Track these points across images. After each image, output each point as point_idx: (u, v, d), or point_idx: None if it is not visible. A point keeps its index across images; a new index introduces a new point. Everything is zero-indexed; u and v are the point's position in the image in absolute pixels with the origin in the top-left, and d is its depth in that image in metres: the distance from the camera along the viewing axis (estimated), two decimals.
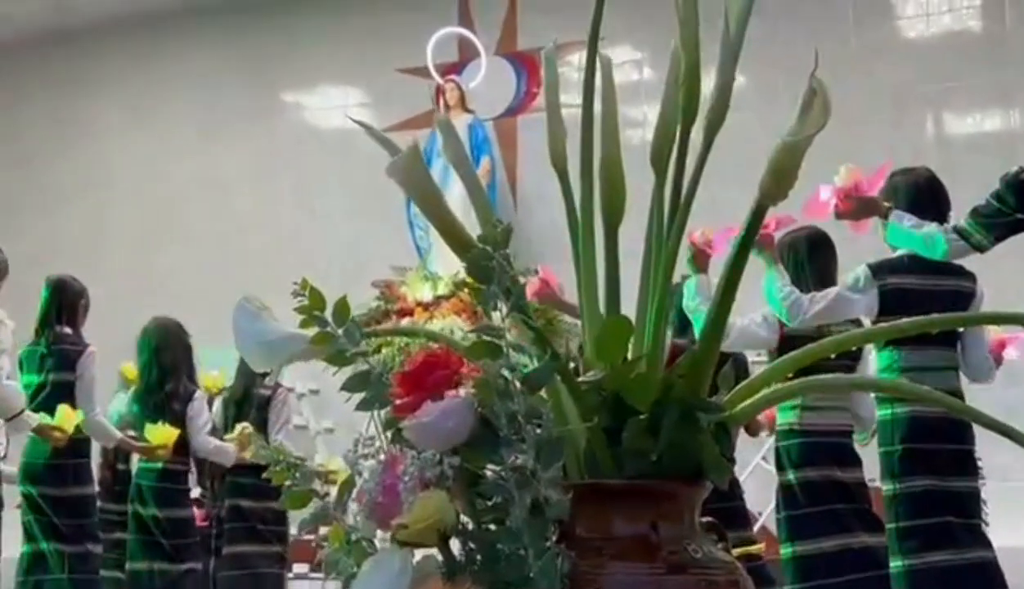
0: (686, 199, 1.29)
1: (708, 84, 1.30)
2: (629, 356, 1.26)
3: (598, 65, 1.42)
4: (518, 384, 1.17)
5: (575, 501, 1.15)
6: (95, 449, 5.57)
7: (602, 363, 1.24)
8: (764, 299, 3.82)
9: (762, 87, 7.74)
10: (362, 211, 9.37)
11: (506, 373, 1.17)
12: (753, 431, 4.64)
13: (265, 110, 9.97)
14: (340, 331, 1.28)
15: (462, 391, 1.21)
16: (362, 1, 9.65)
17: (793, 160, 1.07)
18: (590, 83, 1.34)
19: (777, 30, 7.88)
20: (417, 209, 8.52)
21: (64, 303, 5.29)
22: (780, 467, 4.04)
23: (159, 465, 5.49)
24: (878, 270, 3.72)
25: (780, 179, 1.09)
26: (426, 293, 8.11)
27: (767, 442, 5.89)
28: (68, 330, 5.29)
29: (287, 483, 1.23)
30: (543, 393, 1.23)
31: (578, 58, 8.74)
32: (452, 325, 7.72)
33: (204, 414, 5.63)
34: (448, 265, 8.09)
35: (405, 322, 7.96)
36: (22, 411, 4.90)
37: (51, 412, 5.05)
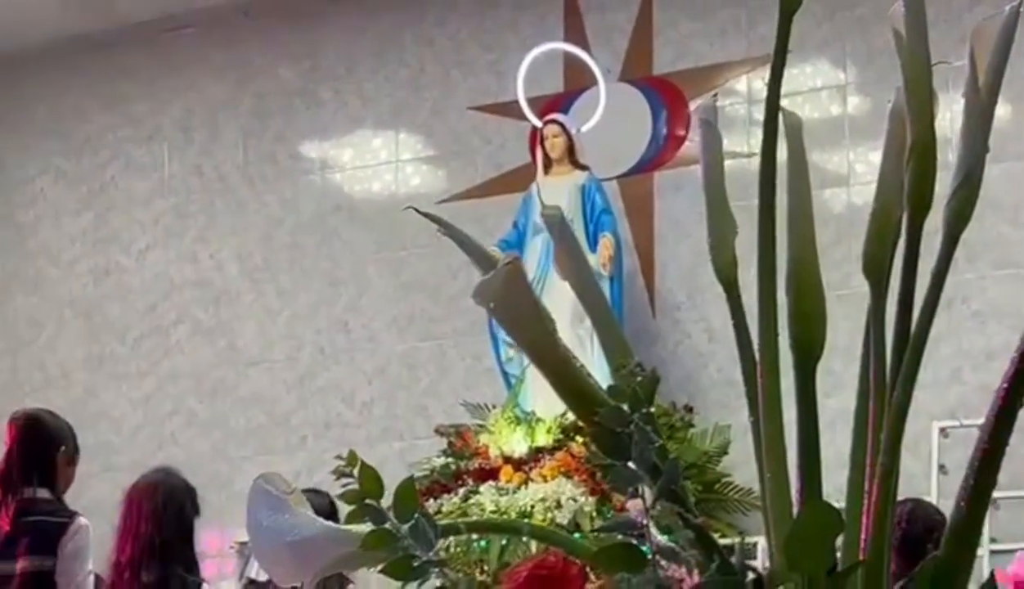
0: (921, 323, 1.32)
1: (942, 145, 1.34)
2: (838, 565, 1.28)
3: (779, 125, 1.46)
4: None
5: None
6: None
7: (798, 575, 1.26)
8: None
9: None
10: (418, 320, 9.48)
11: None
12: None
13: (275, 171, 10.17)
14: (405, 529, 1.32)
15: None
16: (420, 8, 9.82)
17: None
18: (770, 159, 1.39)
19: None
20: None
21: (37, 454, 5.44)
22: None
23: None
24: None
25: None
26: (518, 444, 8.15)
27: None
28: (45, 494, 5.42)
29: None
30: None
31: (745, 83, 8.84)
32: (559, 492, 7.74)
33: None
34: (552, 401, 8.12)
35: (487, 488, 8.00)
36: None
37: None
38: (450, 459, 8.27)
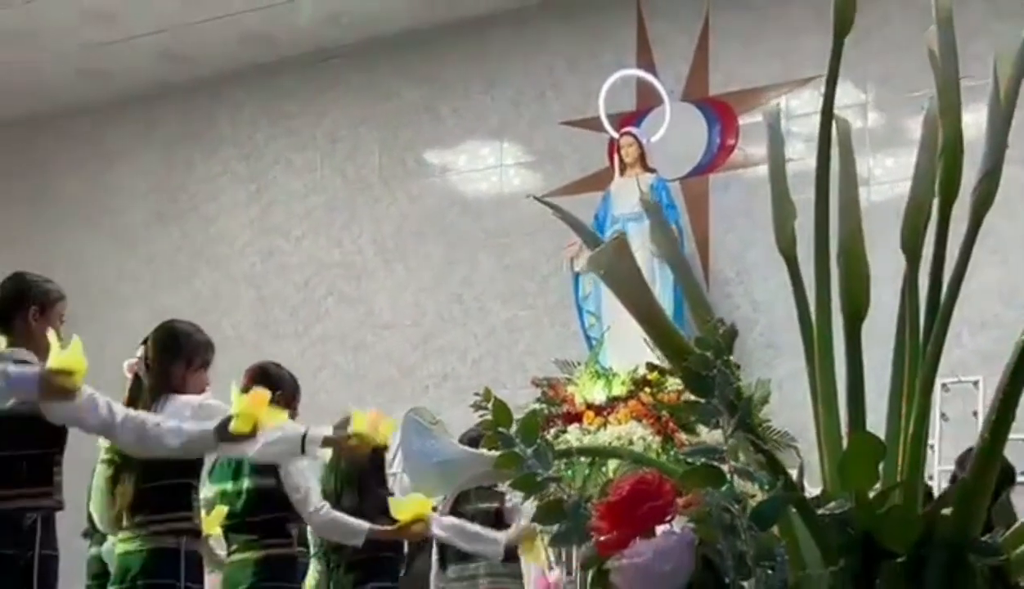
0: (949, 292, 1.30)
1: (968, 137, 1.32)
2: (879, 485, 1.27)
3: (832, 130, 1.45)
4: (745, 519, 1.19)
5: None
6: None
7: (847, 493, 1.25)
8: None
9: None
10: (519, 294, 9.49)
11: (731, 505, 1.19)
12: None
13: (404, 174, 10.20)
14: (529, 452, 1.32)
15: (676, 526, 1.23)
16: (521, 42, 9.81)
17: None
18: (824, 154, 1.38)
19: None
20: (586, 291, 8.67)
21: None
22: None
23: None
24: None
25: None
26: (599, 393, 8.13)
27: None
28: None
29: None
30: (774, 529, 1.25)
31: (783, 102, 8.73)
32: (631, 433, 7.72)
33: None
34: (625, 359, 8.11)
35: (573, 429, 8.00)
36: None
37: (252, 529, 5.21)
38: (544, 405, 8.26)
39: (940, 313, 1.30)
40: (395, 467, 6.35)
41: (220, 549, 5.46)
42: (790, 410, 7.15)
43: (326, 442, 5.11)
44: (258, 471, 5.24)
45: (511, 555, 6.58)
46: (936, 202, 1.34)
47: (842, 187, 1.42)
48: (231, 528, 5.26)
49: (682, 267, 1.41)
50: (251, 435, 4.62)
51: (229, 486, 5.29)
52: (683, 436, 7.51)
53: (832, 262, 1.40)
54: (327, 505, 5.34)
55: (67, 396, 4.12)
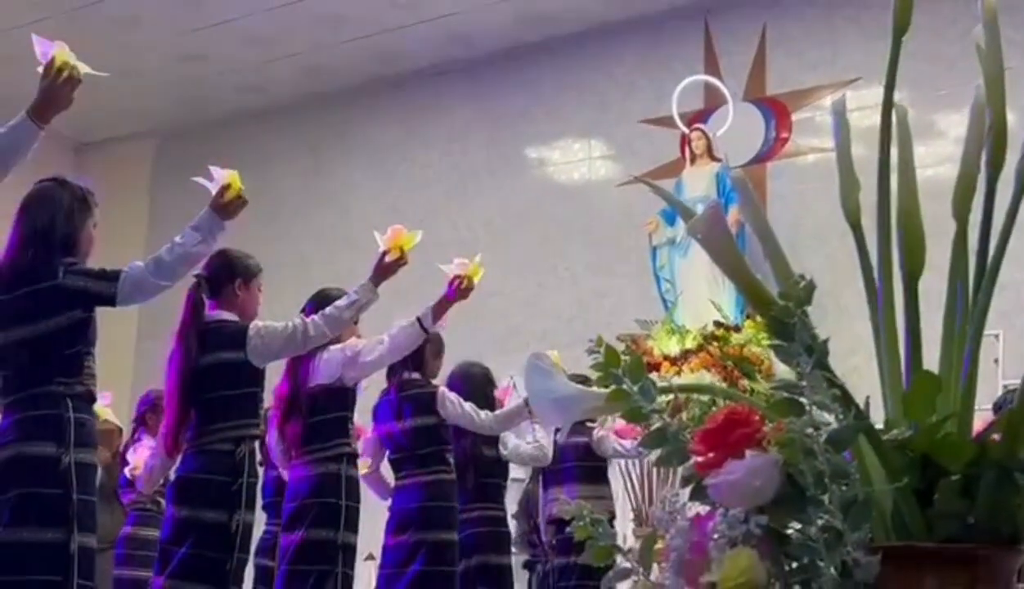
0: (997, 251, 1.27)
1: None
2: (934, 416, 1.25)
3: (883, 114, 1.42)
4: (823, 443, 1.19)
5: (883, 564, 1.15)
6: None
7: (908, 422, 1.24)
8: None
9: None
10: (605, 265, 9.46)
11: (810, 432, 1.19)
12: None
13: (508, 167, 10.23)
14: (636, 388, 1.33)
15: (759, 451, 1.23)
16: (604, 53, 9.78)
17: None
18: (886, 133, 1.35)
19: None
20: (662, 262, 8.62)
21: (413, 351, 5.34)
22: None
23: (476, 514, 5.65)
24: None
25: None
26: (673, 347, 8.10)
27: None
28: (416, 376, 5.47)
29: (590, 538, 1.28)
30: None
31: (829, 101, 8.58)
32: (702, 381, 7.66)
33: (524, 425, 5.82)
34: (696, 318, 8.06)
35: (652, 376, 7.97)
36: None
37: (418, 460, 5.26)
38: (627, 357, 8.23)
39: (988, 270, 1.27)
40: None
41: (389, 478, 5.56)
42: (832, 361, 7.04)
43: (439, 308, 5.24)
44: (418, 411, 5.33)
45: (601, 478, 6.53)
46: (984, 175, 1.31)
47: (900, 165, 1.40)
48: (400, 460, 5.32)
49: (767, 232, 1.40)
50: (402, 261, 5.02)
51: (394, 425, 5.36)
52: (745, 382, 7.44)
53: (892, 229, 1.37)
54: (487, 411, 5.44)
55: (239, 204, 4.18)
